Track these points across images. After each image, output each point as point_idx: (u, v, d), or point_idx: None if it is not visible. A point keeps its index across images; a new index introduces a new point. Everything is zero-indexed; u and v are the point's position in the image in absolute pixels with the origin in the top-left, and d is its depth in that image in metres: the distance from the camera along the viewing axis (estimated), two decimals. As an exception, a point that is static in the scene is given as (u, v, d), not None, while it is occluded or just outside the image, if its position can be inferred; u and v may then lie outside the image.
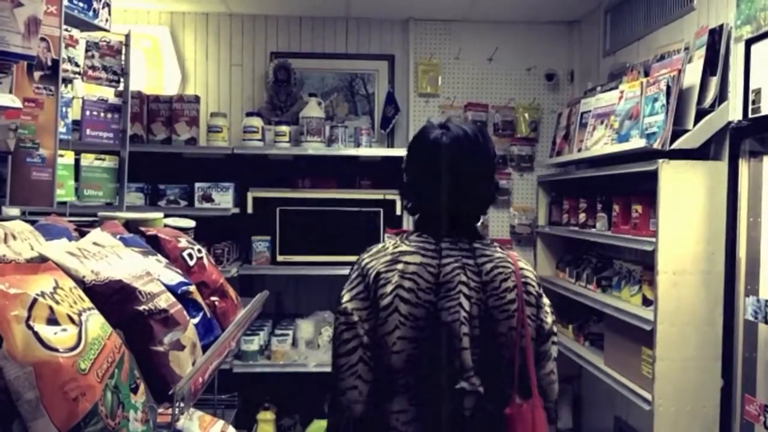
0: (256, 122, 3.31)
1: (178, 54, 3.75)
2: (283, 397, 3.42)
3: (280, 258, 3.39)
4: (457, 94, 3.90)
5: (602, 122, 2.94)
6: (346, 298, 1.31)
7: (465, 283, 1.28)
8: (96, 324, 0.82)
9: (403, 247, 1.32)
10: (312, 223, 3.43)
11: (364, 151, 3.36)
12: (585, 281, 3.23)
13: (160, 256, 1.33)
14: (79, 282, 0.97)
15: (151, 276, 1.12)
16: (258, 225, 3.42)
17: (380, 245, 1.38)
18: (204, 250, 1.57)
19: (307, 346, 3.35)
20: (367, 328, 1.27)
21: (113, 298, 1.00)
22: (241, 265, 3.37)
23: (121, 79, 1.90)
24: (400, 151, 3.32)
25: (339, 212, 3.43)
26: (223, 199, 3.26)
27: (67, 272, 0.96)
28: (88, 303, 0.87)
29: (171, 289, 1.23)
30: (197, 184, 3.26)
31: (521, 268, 1.35)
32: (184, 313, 1.11)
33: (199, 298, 1.32)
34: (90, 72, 1.73)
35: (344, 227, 3.42)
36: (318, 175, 3.54)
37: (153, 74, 3.70)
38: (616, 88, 2.91)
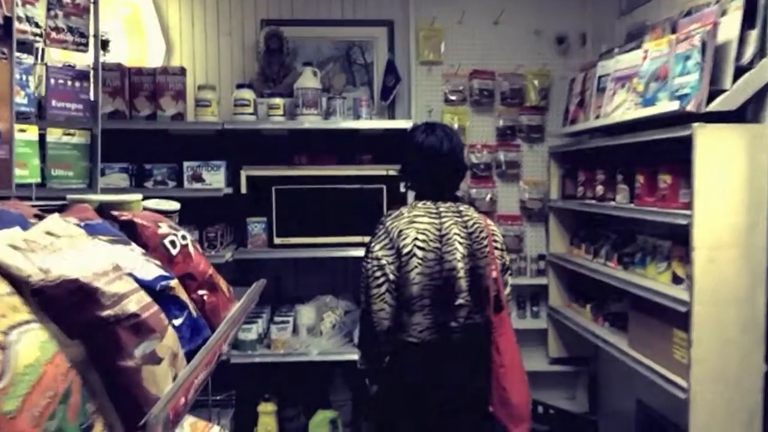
0: (248, 95, 3.07)
1: (161, 22, 3.49)
2: (285, 388, 3.24)
3: (277, 240, 3.18)
4: (461, 61, 3.66)
5: (623, 86, 2.71)
6: (376, 248, 2.00)
7: (458, 234, 2.02)
8: (32, 344, 0.61)
9: (415, 212, 2.05)
10: (310, 203, 3.21)
11: (364, 124, 3.13)
12: (604, 258, 3.03)
13: (135, 246, 1.11)
14: (23, 283, 0.76)
15: (120, 271, 0.90)
16: (253, 206, 3.19)
17: (397, 212, 2.08)
18: (190, 237, 1.35)
19: (309, 333, 3.15)
20: (392, 269, 1.96)
21: (68, 302, 0.79)
22: (236, 249, 3.16)
23: (90, 42, 1.66)
24: (403, 123, 3.09)
25: (339, 190, 3.21)
26: (215, 179, 3.04)
27: (6, 271, 0.75)
28: (24, 314, 0.66)
29: (147, 285, 1.02)
30: (186, 163, 3.03)
31: (488, 224, 2.13)
32: (162, 316, 0.90)
33: (183, 294, 1.11)
34: (53, 34, 1.49)
35: (345, 206, 3.20)
36: (315, 150, 3.31)
37: (135, 45, 3.44)
38: (639, 47, 2.67)
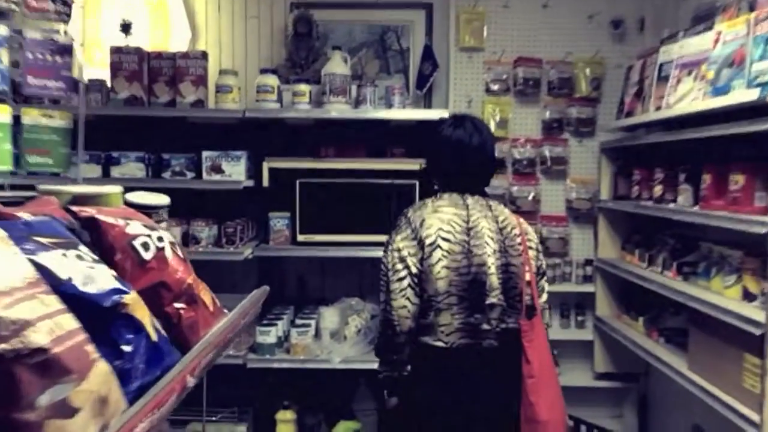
0: (272, 81, 2.87)
1: (186, 7, 3.33)
2: (306, 395, 3.04)
3: (301, 237, 2.98)
4: (505, 47, 3.38)
5: (690, 73, 2.39)
6: (398, 239, 1.84)
7: (488, 228, 1.84)
8: None
9: (440, 202, 1.89)
10: (337, 198, 3.00)
11: (396, 114, 2.89)
12: (661, 266, 2.72)
13: (85, 250, 0.91)
14: None
15: (38, 287, 0.70)
16: (275, 200, 3.01)
17: (420, 203, 1.94)
18: (170, 238, 1.15)
19: (332, 338, 2.94)
20: (414, 261, 1.78)
21: (-53, 332, 0.59)
22: (256, 246, 2.97)
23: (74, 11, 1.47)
24: (439, 114, 2.84)
25: (368, 185, 2.98)
26: (235, 170, 2.85)
27: None
28: None
29: (90, 301, 0.81)
30: (205, 153, 2.86)
31: (521, 223, 1.95)
32: (88, 348, 0.69)
33: (142, 311, 0.90)
34: (32, 2, 1.32)
35: (374, 202, 2.97)
36: (343, 142, 3.09)
37: (158, 31, 3.29)
38: (710, 29, 2.35)
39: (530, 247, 1.91)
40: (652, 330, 2.82)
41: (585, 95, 3.38)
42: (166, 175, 2.88)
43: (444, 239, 1.79)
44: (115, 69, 2.84)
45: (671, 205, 2.59)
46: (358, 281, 3.31)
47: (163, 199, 1.35)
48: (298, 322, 2.97)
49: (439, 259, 1.77)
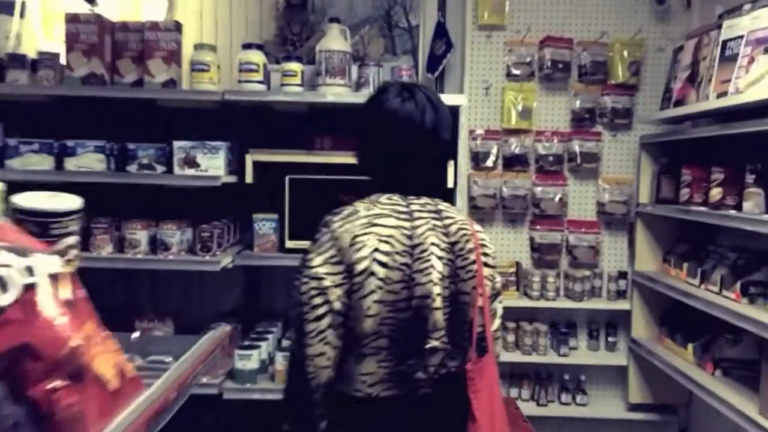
0: (256, 57, 2.44)
1: (162, -27, 2.90)
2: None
3: (290, 244, 2.55)
4: (530, 25, 2.95)
5: (767, 50, 1.96)
6: (317, 261, 1.29)
7: (436, 245, 1.33)
8: None
9: (377, 210, 1.32)
10: (334, 198, 2.53)
11: (404, 99, 2.45)
12: (718, 285, 2.29)
13: None
14: None
15: None
16: (261, 199, 2.59)
17: (349, 208, 1.34)
18: (52, 269, 0.72)
19: (325, 363, 2.50)
20: (339, 293, 1.27)
21: None
22: (238, 253, 2.55)
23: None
24: (453, 99, 2.41)
25: (370, 183, 2.54)
26: (212, 164, 2.42)
27: None
28: None
29: None
30: (177, 144, 2.43)
31: (477, 231, 1.42)
32: None
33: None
34: None
35: None
36: (341, 132, 2.65)
37: (129, 2, 2.86)
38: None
39: (486, 264, 1.41)
40: (705, 360, 2.40)
41: (622, 82, 2.96)
42: (132, 168, 2.45)
43: (381, 264, 1.27)
44: (71, 41, 2.41)
45: (731, 212, 2.17)
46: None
47: (69, 203, 0.92)
48: (285, 343, 2.54)
49: (372, 291, 1.27)
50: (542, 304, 2.93)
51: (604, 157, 3.01)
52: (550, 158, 2.99)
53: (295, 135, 2.64)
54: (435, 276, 1.30)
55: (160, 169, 2.47)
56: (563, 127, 3.02)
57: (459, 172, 2.52)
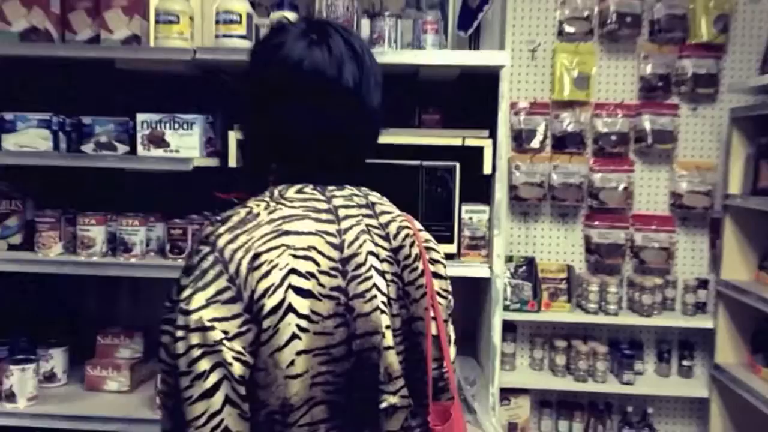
0: (238, 5, 1.93)
1: None
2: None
3: (285, 243, 2.04)
4: (589, -31, 2.38)
5: None
6: (197, 302, 0.82)
7: (375, 254, 0.93)
8: None
9: (285, 210, 0.88)
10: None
11: (429, 57, 1.90)
12: None
13: None
14: None
15: None
16: (247, 188, 2.07)
17: (242, 211, 0.89)
18: None
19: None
20: (238, 349, 0.81)
21: None
22: (220, 255, 2.05)
23: None
24: (491, 58, 1.87)
25: (385, 168, 2.03)
26: (185, 143, 1.94)
27: None
28: None
29: None
30: (140, 117, 1.95)
31: (419, 229, 1.03)
32: None
33: None
34: None
35: (394, 193, 2.01)
36: None
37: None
38: None
39: (436, 275, 1.01)
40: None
41: (705, 41, 2.37)
42: (87, 147, 1.98)
43: (302, 292, 0.85)
44: (7, -13, 1.93)
45: None
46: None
47: None
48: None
49: (294, 337, 0.84)
50: (601, 319, 2.39)
51: (682, 136, 2.45)
52: (613, 137, 2.43)
53: None
54: (380, 300, 0.91)
55: (121, 149, 1.99)
56: (630, 98, 2.45)
57: (498, 155, 1.98)
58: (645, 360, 2.49)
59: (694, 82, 2.39)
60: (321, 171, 0.95)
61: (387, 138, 1.99)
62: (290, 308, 0.83)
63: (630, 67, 2.45)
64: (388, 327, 0.91)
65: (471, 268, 1.98)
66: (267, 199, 0.91)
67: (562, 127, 2.45)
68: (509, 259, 2.45)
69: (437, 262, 1.02)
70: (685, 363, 2.47)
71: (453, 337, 1.07)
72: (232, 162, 2.00)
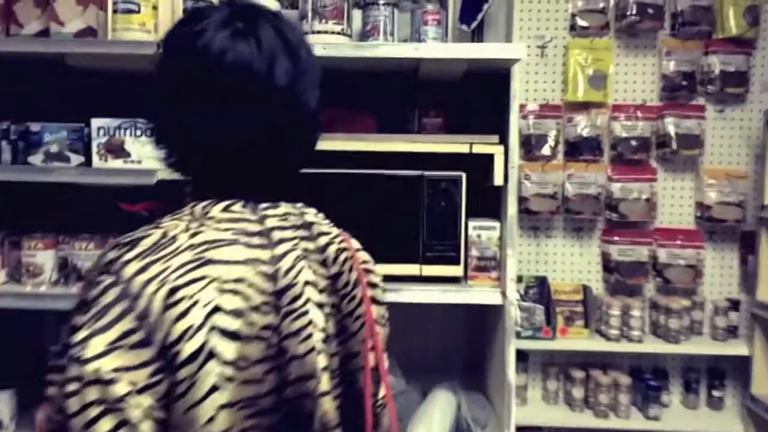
0: (210, -8, 1.67)
1: None
2: None
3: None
4: (605, -44, 2.15)
5: None
6: (96, 347, 0.67)
7: (313, 284, 0.81)
8: None
9: (210, 234, 0.76)
10: (330, 201, 1.78)
11: (432, 51, 1.66)
12: None
13: None
14: None
15: None
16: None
17: (155, 233, 0.75)
18: None
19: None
20: (148, 405, 0.68)
21: None
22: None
23: None
24: (502, 50, 1.62)
25: (381, 179, 1.79)
26: (148, 152, 1.68)
27: None
28: None
29: None
30: (96, 123, 1.69)
31: (357, 249, 0.92)
32: None
33: None
34: None
35: (391, 208, 1.78)
36: (338, 103, 1.89)
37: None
38: None
39: (375, 300, 0.92)
40: None
41: (734, 35, 2.15)
42: (35, 158, 1.72)
43: (228, 335, 0.72)
44: (-61, -27, 1.67)
45: None
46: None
47: None
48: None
49: (215, 389, 0.71)
50: (624, 346, 2.14)
51: (709, 141, 2.22)
52: (633, 143, 2.19)
53: None
54: (317, 339, 0.80)
55: (75, 159, 1.73)
56: (651, 99, 2.22)
57: (510, 163, 1.74)
58: (670, 390, 2.25)
59: (722, 81, 2.17)
60: (250, 185, 0.81)
61: (383, 145, 1.75)
62: (212, 354, 0.70)
63: (651, 65, 2.22)
64: (325, 369, 0.80)
65: (480, 293, 1.74)
66: (187, 218, 0.77)
67: (576, 132, 2.21)
68: (519, 279, 2.21)
69: (375, 285, 0.93)
70: (715, 393, 2.24)
71: (386, 365, 0.94)
72: (204, 174, 1.75)
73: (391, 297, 1.72)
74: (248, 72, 0.77)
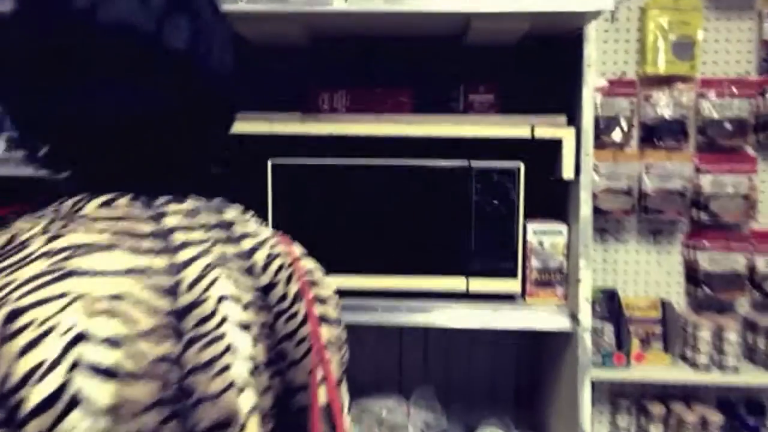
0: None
1: None
2: None
3: (275, 279, 1.45)
4: None
5: None
6: None
7: (234, 298, 0.62)
8: None
9: (76, 237, 0.57)
10: (352, 199, 1.47)
11: (484, 4, 1.28)
12: None
13: None
14: None
15: None
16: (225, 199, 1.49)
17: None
18: None
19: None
20: None
21: None
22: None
23: None
24: (582, 3, 1.25)
25: (415, 172, 1.45)
26: None
27: None
28: None
29: None
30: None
31: (300, 256, 0.74)
32: None
33: None
34: None
35: (428, 209, 1.44)
36: (365, 78, 1.57)
37: None
38: None
39: (324, 319, 0.71)
40: None
41: None
42: (-6, 147, 1.41)
43: (99, 372, 0.50)
44: None
45: None
46: (395, 367, 1.79)
47: None
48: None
49: None
50: (715, 377, 1.75)
51: (823, 123, 1.81)
52: (727, 126, 1.80)
53: (281, 84, 1.55)
54: (239, 370, 0.59)
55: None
56: (748, 71, 1.82)
57: (584, 151, 1.38)
58: (767, 426, 1.86)
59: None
60: (142, 174, 0.64)
61: (420, 128, 1.40)
62: (76, 400, 0.51)
63: (748, 30, 1.82)
64: (252, 410, 0.61)
65: (541, 315, 1.39)
66: (49, 217, 0.59)
67: (655, 113, 1.82)
68: (583, 292, 1.83)
69: (325, 301, 0.74)
70: (827, 434, 1.84)
71: (347, 402, 0.78)
72: (198, 165, 1.42)
73: (428, 319, 1.41)
74: (129, 33, 0.60)
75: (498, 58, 1.54)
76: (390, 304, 1.40)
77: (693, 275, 1.85)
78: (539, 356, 1.71)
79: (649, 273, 1.89)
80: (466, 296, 1.42)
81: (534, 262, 1.43)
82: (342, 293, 1.41)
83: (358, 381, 1.77)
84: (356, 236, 1.44)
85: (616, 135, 1.84)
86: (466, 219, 1.42)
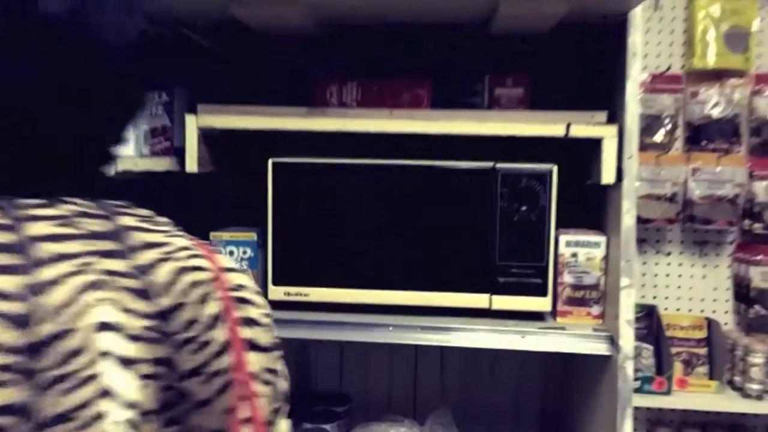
0: None
1: None
2: None
3: (276, 290, 1.35)
4: None
5: None
6: None
7: (114, 327, 0.52)
8: None
9: None
10: (364, 204, 1.34)
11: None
12: None
13: None
14: None
15: None
16: (220, 203, 1.47)
17: None
18: None
19: None
20: None
21: None
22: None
23: None
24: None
25: (434, 175, 1.32)
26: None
27: None
28: None
29: None
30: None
31: (226, 268, 0.61)
32: None
33: None
34: None
35: (448, 216, 1.31)
36: (379, 69, 1.44)
37: None
38: None
39: (253, 345, 0.58)
40: None
41: None
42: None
43: None
44: None
45: None
46: (409, 387, 1.66)
47: None
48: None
49: None
50: (767, 406, 1.58)
51: None
52: (785, 126, 1.63)
53: (284, 76, 1.46)
54: (114, 420, 0.50)
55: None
56: (811, 66, 1.65)
57: (627, 152, 1.23)
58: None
59: None
60: (6, 167, 0.53)
61: (439, 125, 1.26)
62: None
63: (812, 19, 1.65)
64: None
65: (574, 337, 1.24)
66: None
67: (703, 111, 1.67)
68: (619, 308, 1.68)
69: (256, 322, 0.60)
70: None
71: None
72: (192, 165, 1.30)
73: (447, 339, 1.28)
74: None
75: (528, 46, 1.39)
76: (403, 323, 1.26)
77: (743, 292, 1.68)
78: (570, 378, 1.56)
79: (693, 288, 1.73)
80: (490, 314, 1.28)
81: (566, 278, 1.29)
82: (349, 309, 1.29)
83: (366, 403, 1.64)
84: (366, 246, 1.30)
85: (659, 135, 1.69)
86: (490, 228, 1.27)
